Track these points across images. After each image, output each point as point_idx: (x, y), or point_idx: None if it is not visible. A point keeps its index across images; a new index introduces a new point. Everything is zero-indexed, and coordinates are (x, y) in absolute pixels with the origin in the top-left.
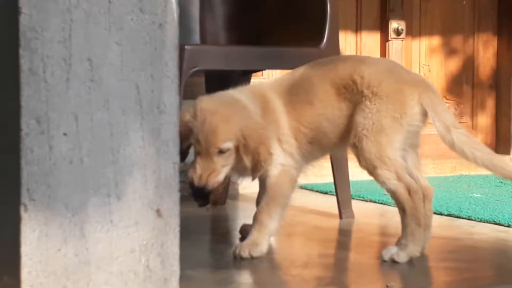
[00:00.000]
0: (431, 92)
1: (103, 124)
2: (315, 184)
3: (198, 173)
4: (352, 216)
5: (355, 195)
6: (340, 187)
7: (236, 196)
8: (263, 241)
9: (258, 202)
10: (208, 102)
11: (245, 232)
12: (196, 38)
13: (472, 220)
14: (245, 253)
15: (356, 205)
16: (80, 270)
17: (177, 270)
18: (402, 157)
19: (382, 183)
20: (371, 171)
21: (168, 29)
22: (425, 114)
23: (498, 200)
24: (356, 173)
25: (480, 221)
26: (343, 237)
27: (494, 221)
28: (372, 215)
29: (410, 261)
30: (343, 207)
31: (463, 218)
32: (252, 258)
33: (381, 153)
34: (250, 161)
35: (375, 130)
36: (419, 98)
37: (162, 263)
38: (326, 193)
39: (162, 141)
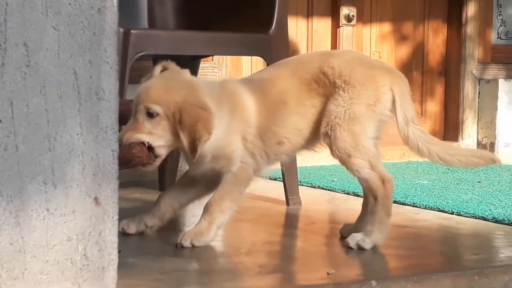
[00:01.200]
0: (402, 81)
1: (39, 110)
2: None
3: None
4: (299, 203)
5: (303, 181)
6: (288, 174)
7: None
8: (210, 232)
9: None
10: (165, 72)
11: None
12: (144, 23)
13: (416, 207)
14: (186, 243)
15: (304, 191)
16: (15, 258)
17: (115, 259)
18: (374, 145)
19: (355, 172)
20: (345, 159)
21: (107, 14)
22: (394, 103)
23: (443, 187)
24: (304, 159)
25: (425, 208)
26: (289, 224)
27: (438, 208)
28: (319, 202)
29: (351, 249)
30: (290, 193)
31: (408, 205)
32: (193, 247)
33: (355, 141)
34: (186, 138)
35: (349, 119)
36: (390, 84)
37: (100, 251)
38: (275, 179)
39: (101, 128)
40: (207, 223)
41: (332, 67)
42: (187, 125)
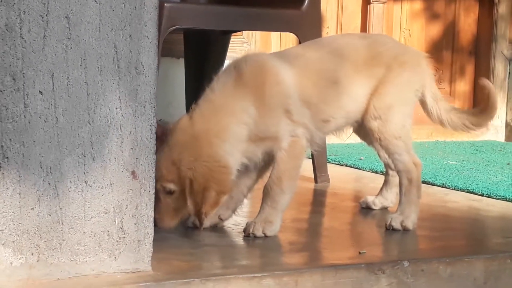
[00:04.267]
0: (429, 63)
1: (79, 83)
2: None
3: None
4: (328, 180)
5: (331, 159)
6: (317, 152)
7: None
8: (276, 218)
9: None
10: (171, 136)
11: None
12: None
13: (446, 187)
14: (259, 232)
15: (331, 168)
16: (53, 229)
17: (151, 232)
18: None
19: (394, 154)
20: (390, 141)
21: None
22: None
23: (472, 168)
24: (332, 136)
25: (454, 189)
26: (318, 202)
27: (468, 189)
28: (347, 180)
29: (382, 228)
30: (319, 171)
31: (437, 185)
32: (265, 237)
33: (403, 123)
34: (192, 203)
35: (401, 102)
36: (427, 68)
37: (136, 224)
38: None
39: (139, 102)
40: (272, 209)
41: (387, 49)
42: (196, 190)
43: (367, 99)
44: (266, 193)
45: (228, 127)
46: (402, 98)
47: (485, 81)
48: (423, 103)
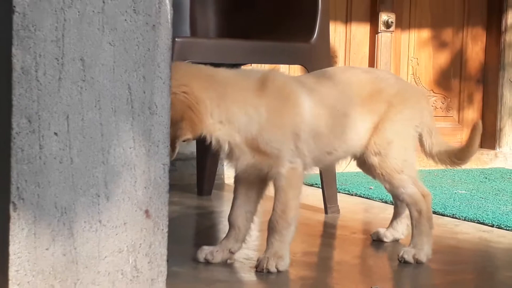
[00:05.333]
0: (428, 99)
1: (94, 124)
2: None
3: None
4: (338, 211)
5: (340, 188)
6: (326, 182)
7: (221, 187)
8: (286, 252)
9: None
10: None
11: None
12: (186, 29)
13: (456, 218)
14: (272, 268)
15: (341, 198)
16: (68, 269)
17: (164, 271)
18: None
19: (399, 188)
20: (392, 176)
21: (162, 30)
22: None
23: (482, 198)
24: (342, 165)
25: (464, 219)
26: (328, 234)
27: (478, 220)
28: (357, 210)
29: (394, 262)
30: (329, 202)
31: (447, 216)
32: (278, 271)
33: (404, 158)
34: (170, 133)
35: (402, 137)
36: (427, 105)
37: (149, 263)
38: (312, 185)
39: (153, 142)
40: (281, 243)
41: (389, 85)
42: (172, 121)
43: (368, 134)
44: (273, 227)
45: (232, 107)
46: (402, 133)
47: (477, 124)
48: (420, 138)
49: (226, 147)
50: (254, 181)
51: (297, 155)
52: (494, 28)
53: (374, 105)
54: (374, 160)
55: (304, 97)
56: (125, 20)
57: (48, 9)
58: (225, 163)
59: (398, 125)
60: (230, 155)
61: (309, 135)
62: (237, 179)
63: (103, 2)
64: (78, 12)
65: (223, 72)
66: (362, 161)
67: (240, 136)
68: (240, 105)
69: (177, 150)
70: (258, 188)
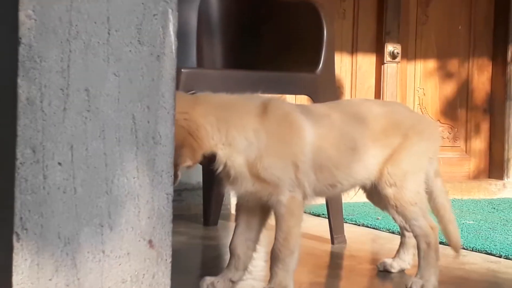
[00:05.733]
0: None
1: (98, 154)
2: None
3: None
4: (344, 241)
5: (347, 219)
6: (333, 212)
7: (228, 217)
8: (290, 281)
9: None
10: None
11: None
12: (193, 60)
13: (464, 249)
14: None
15: (348, 229)
16: None
17: None
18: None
19: (411, 220)
20: (406, 208)
21: (166, 61)
22: None
23: (490, 228)
24: (349, 195)
25: (472, 250)
26: (335, 265)
27: (486, 250)
28: (364, 241)
29: None
30: (335, 232)
31: None
32: None
33: (417, 190)
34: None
35: (416, 170)
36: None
37: None
38: (318, 215)
39: (156, 171)
40: (284, 272)
41: (404, 117)
42: (175, 148)
43: (378, 168)
44: (276, 256)
45: (232, 131)
46: (417, 165)
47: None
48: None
49: (228, 167)
50: (256, 209)
51: (297, 185)
52: (499, 58)
53: (388, 139)
54: (389, 191)
55: (307, 128)
56: (130, 51)
57: (54, 40)
58: (226, 189)
59: (414, 157)
60: (232, 179)
61: (309, 167)
62: (238, 207)
63: (108, 33)
64: (84, 43)
65: (224, 97)
66: (373, 193)
67: (241, 158)
68: (240, 129)
69: (179, 178)
70: (260, 217)
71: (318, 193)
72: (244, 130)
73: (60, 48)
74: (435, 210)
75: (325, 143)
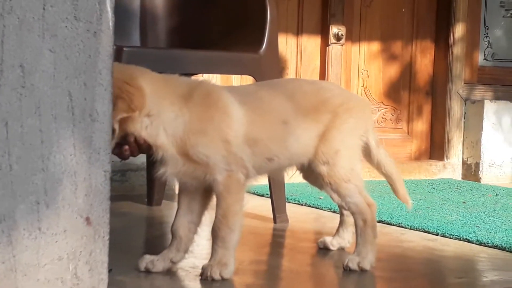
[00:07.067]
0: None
1: (34, 131)
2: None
3: None
4: (286, 220)
5: (290, 198)
6: (275, 192)
7: (172, 197)
8: (231, 258)
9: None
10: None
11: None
12: (137, 40)
13: (402, 227)
14: (216, 275)
15: (290, 208)
16: (7, 277)
17: (105, 279)
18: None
19: (346, 197)
20: (339, 185)
21: (103, 37)
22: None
23: (428, 207)
24: (291, 175)
25: (410, 228)
26: (276, 243)
27: (423, 228)
28: (306, 220)
29: (339, 269)
30: (278, 211)
31: (394, 225)
32: (223, 279)
33: (351, 167)
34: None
35: (347, 146)
36: (370, 114)
37: (90, 271)
38: (262, 195)
39: (94, 149)
40: (224, 250)
41: (334, 95)
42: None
43: (314, 144)
44: (215, 234)
45: (163, 102)
46: (348, 143)
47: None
48: (366, 147)
49: (156, 148)
50: (197, 192)
51: (232, 161)
52: (442, 41)
53: (318, 115)
54: (323, 169)
55: (234, 105)
56: (66, 26)
57: None
58: (159, 171)
59: (344, 135)
60: (162, 160)
61: (242, 142)
62: (180, 190)
63: (43, 8)
64: (18, 18)
65: (160, 75)
66: (309, 172)
67: (167, 136)
68: (169, 102)
69: (117, 132)
70: (202, 199)
71: (258, 169)
72: (172, 105)
73: None
74: (386, 177)
75: (255, 117)
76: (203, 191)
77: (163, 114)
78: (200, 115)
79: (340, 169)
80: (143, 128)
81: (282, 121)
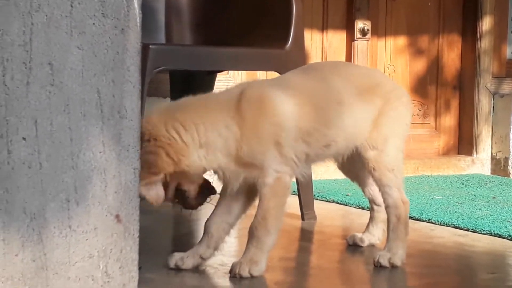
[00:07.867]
0: None
1: (63, 128)
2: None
3: None
4: (314, 217)
5: (318, 195)
6: (303, 188)
7: None
8: (262, 258)
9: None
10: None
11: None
12: (162, 37)
13: (432, 223)
14: (245, 272)
15: (318, 205)
16: (38, 275)
17: (135, 276)
18: None
19: (386, 187)
20: (383, 173)
21: (131, 34)
22: None
23: (458, 203)
24: (319, 172)
25: (440, 224)
26: (305, 240)
27: (454, 224)
28: (334, 217)
29: (370, 266)
30: (305, 208)
31: (423, 221)
32: (252, 277)
33: (397, 157)
34: None
35: (397, 134)
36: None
37: (120, 268)
38: None
39: (123, 146)
40: (257, 250)
41: (384, 80)
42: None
43: (367, 127)
44: (252, 233)
45: (207, 133)
46: (397, 131)
47: None
48: None
49: (215, 170)
50: (239, 194)
51: (284, 162)
52: (469, 35)
53: (372, 98)
54: (371, 154)
55: (281, 101)
56: (94, 23)
57: (15, 13)
58: (223, 190)
59: (394, 122)
60: (223, 179)
61: (294, 139)
62: (223, 189)
63: (71, 6)
64: (46, 16)
65: (189, 100)
66: (345, 162)
67: (224, 156)
68: (212, 127)
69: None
70: (243, 202)
71: (314, 158)
72: (216, 128)
73: (21, 21)
74: None
75: (306, 108)
76: (246, 194)
77: (211, 139)
78: (248, 124)
79: (386, 157)
80: (202, 159)
81: (336, 102)
